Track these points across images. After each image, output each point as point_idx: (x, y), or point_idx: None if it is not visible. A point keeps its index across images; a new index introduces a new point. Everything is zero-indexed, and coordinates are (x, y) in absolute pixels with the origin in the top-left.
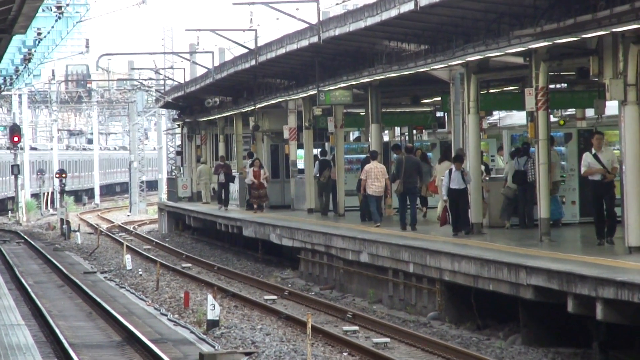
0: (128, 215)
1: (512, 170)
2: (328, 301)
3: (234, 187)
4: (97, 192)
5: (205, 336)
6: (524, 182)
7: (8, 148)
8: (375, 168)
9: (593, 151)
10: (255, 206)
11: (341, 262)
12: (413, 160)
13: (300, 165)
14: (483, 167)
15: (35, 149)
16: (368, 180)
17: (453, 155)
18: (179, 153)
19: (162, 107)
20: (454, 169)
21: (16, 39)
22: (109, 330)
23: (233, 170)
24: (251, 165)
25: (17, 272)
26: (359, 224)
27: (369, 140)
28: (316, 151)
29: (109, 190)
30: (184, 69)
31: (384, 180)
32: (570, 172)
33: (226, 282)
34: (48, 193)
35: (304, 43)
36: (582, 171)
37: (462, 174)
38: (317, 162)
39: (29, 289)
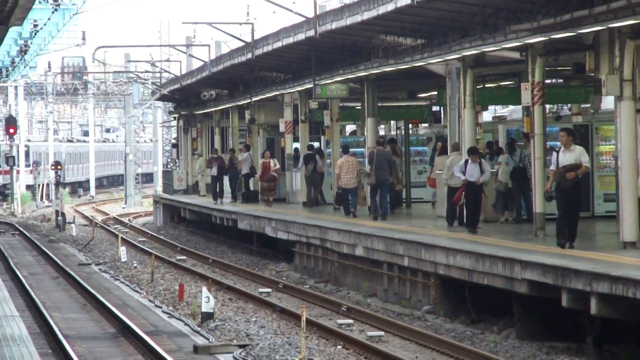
0: (123, 208)
1: (504, 164)
2: (323, 294)
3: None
4: (92, 184)
5: (199, 328)
6: (523, 179)
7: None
8: (347, 162)
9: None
10: (267, 199)
11: (336, 255)
12: (384, 154)
13: None
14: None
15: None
16: (341, 174)
17: (467, 149)
18: (174, 146)
19: (158, 99)
20: (469, 161)
21: (12, 31)
22: (104, 322)
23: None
24: (262, 156)
25: (12, 264)
26: (354, 217)
27: (365, 134)
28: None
29: (100, 183)
30: (180, 61)
31: (355, 172)
32: None
33: (221, 274)
34: (43, 185)
35: (301, 36)
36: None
37: (480, 166)
38: (302, 156)
39: (24, 281)
